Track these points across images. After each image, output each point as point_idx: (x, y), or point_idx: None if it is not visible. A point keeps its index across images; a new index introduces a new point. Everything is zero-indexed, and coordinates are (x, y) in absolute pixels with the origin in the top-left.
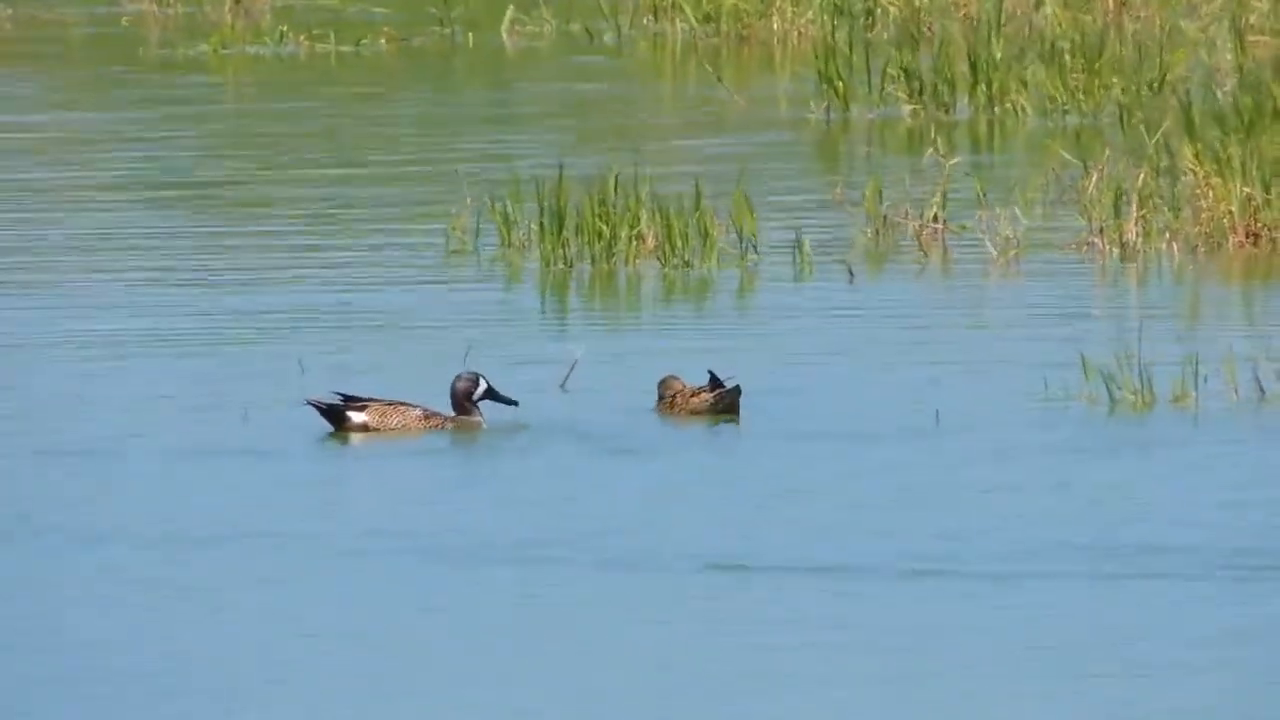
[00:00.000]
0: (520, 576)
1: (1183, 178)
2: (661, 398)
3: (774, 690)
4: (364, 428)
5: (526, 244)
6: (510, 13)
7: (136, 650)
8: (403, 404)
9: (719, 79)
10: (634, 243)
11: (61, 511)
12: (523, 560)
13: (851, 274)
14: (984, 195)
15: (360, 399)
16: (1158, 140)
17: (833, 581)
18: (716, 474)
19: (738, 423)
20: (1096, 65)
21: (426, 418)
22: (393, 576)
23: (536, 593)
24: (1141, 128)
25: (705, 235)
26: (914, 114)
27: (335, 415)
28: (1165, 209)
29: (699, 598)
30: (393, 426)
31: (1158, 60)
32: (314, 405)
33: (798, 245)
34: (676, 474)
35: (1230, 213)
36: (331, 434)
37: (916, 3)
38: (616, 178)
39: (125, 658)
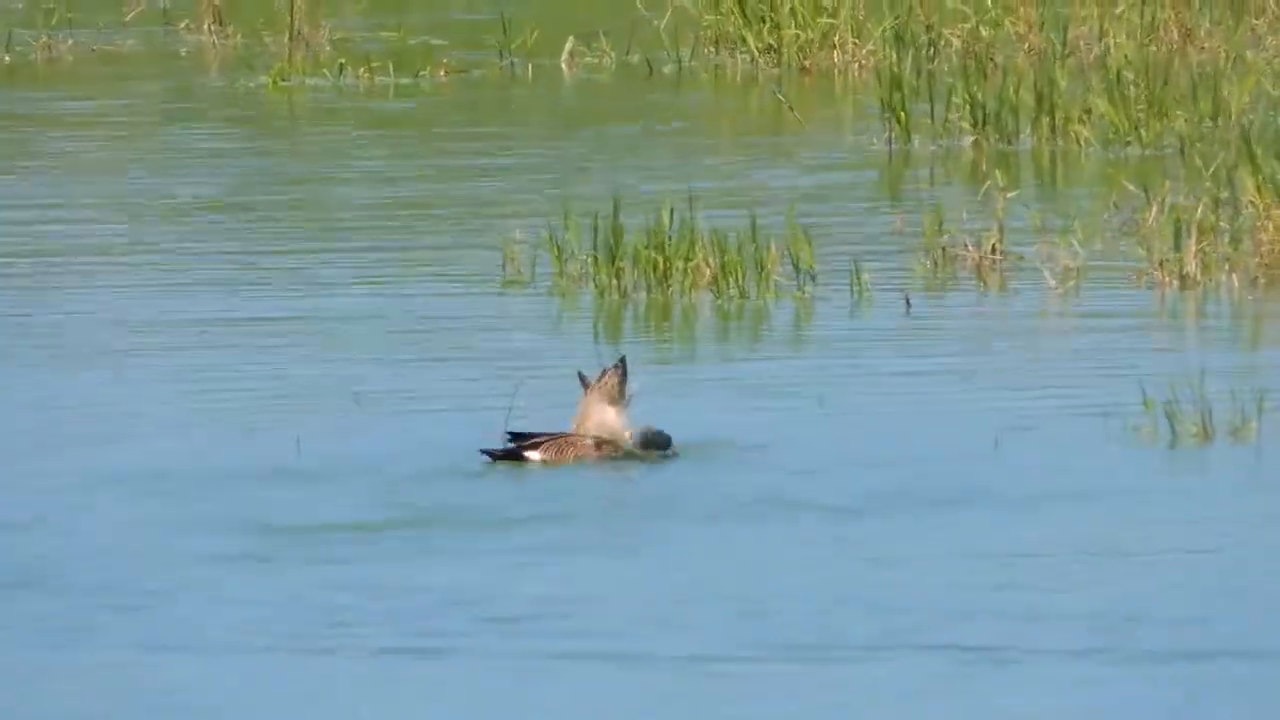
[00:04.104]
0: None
1: (1244, 209)
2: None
3: None
4: (543, 463)
5: (582, 274)
6: (569, 44)
7: None
8: (574, 436)
9: (790, 108)
10: (689, 274)
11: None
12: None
13: (909, 305)
14: (1043, 226)
15: (532, 436)
16: (1218, 171)
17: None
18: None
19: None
20: (1158, 95)
21: (599, 447)
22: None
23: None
24: (1201, 159)
25: (761, 266)
26: (976, 145)
27: (513, 458)
28: (1225, 240)
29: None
30: (569, 460)
31: (1220, 91)
32: (488, 454)
33: (855, 276)
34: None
35: None
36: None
37: (981, 34)
38: (672, 209)
39: None
